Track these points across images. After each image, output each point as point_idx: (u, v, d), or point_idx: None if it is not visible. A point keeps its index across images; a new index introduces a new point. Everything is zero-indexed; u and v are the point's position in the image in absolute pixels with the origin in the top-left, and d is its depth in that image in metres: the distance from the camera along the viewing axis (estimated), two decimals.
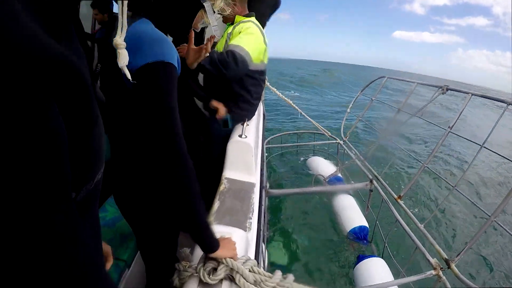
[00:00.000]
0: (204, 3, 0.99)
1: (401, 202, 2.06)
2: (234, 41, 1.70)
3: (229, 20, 1.90)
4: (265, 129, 3.85)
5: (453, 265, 1.55)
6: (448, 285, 1.52)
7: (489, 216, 1.49)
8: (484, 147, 1.70)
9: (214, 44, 1.92)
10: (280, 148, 4.15)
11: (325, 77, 25.32)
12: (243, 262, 0.93)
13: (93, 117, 0.43)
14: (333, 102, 13.03)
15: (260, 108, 3.06)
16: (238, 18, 1.87)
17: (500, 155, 1.73)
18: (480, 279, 2.57)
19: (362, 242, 2.39)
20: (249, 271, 0.93)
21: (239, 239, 1.17)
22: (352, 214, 2.57)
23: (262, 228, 1.89)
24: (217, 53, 1.65)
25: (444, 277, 1.54)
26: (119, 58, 0.62)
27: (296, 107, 3.94)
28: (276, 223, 2.78)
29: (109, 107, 0.94)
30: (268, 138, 3.93)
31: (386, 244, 2.09)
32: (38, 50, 0.29)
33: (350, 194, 2.81)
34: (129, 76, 0.64)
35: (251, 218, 1.60)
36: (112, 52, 0.64)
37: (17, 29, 0.27)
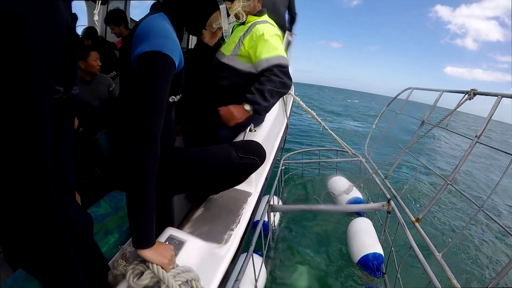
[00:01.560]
0: (220, 5, 1.02)
1: (418, 226, 1.77)
2: (272, 51, 1.61)
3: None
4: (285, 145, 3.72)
5: None
6: None
7: None
8: None
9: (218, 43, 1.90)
10: (300, 165, 3.95)
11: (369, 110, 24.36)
12: (176, 274, 0.82)
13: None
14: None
15: (282, 118, 2.95)
16: (250, 18, 1.75)
17: None
18: None
19: (374, 274, 2.08)
20: (181, 284, 0.81)
21: (193, 250, 1.05)
22: (366, 239, 2.29)
23: (253, 244, 1.74)
24: (263, 82, 1.57)
25: None
26: None
27: (320, 121, 3.75)
28: (286, 240, 2.57)
29: (117, 102, 1.05)
30: (288, 154, 3.78)
31: (398, 275, 1.79)
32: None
33: (366, 216, 2.52)
34: None
35: (232, 230, 1.45)
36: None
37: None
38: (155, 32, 0.85)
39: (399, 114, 3.01)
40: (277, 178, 2.72)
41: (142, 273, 0.80)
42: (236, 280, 1.37)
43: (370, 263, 2.12)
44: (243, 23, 1.74)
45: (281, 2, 3.46)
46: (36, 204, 0.54)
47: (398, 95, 3.34)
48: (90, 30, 3.10)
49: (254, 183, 1.78)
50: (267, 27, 1.69)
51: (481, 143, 1.68)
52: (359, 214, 2.83)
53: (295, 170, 3.94)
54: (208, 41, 1.14)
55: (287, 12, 3.59)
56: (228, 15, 1.05)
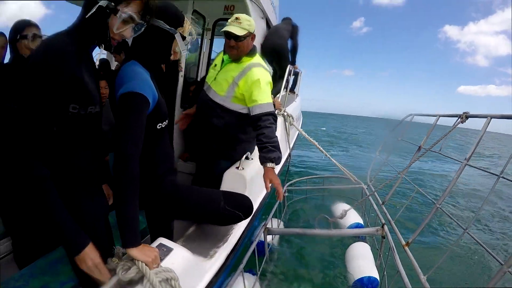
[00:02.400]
0: (175, 34, 1.23)
1: (407, 249, 1.81)
2: (266, 99, 1.76)
3: (233, 56, 1.86)
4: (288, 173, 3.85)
5: None
6: None
7: (502, 264, 1.24)
8: (502, 177, 1.46)
9: (176, 62, 2.11)
10: (304, 192, 4.03)
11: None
12: (158, 272, 0.96)
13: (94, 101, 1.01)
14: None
15: (285, 148, 3.10)
16: (245, 59, 1.86)
17: None
18: None
19: None
20: (161, 281, 0.94)
21: (179, 258, 1.17)
22: (362, 263, 2.31)
23: (243, 262, 1.83)
24: (265, 135, 1.67)
25: None
26: None
27: (322, 149, 3.86)
28: (284, 262, 2.62)
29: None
30: (293, 181, 3.87)
31: None
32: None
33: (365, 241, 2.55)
34: None
35: (218, 248, 1.59)
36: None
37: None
38: (128, 77, 1.11)
39: (400, 140, 3.10)
40: (277, 202, 2.82)
41: (129, 268, 0.95)
42: None
43: (364, 287, 2.13)
44: (236, 61, 1.87)
45: (284, 27, 3.75)
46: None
47: (400, 122, 3.45)
48: (102, 62, 3.49)
49: None
50: (261, 72, 1.82)
51: (470, 165, 1.75)
52: (359, 238, 2.85)
53: (300, 196, 4.02)
54: (172, 58, 1.35)
55: (289, 40, 3.86)
56: (184, 38, 1.27)
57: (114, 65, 3.67)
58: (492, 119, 1.72)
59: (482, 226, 4.38)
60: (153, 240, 1.25)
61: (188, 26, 1.29)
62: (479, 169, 1.85)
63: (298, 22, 3.87)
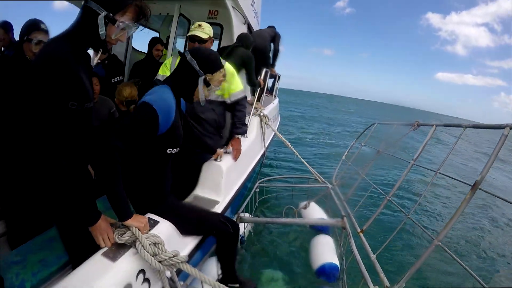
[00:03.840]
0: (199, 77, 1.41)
1: (361, 235, 2.08)
2: (240, 86, 2.24)
3: None
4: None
5: None
6: None
7: (433, 239, 1.51)
8: (440, 173, 1.77)
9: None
10: (275, 189, 4.26)
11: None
12: (148, 236, 1.12)
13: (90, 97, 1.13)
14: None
15: (260, 146, 3.32)
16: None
17: (455, 178, 1.80)
18: None
19: (329, 280, 2.34)
20: (150, 244, 1.10)
21: (164, 229, 1.34)
22: (324, 251, 2.56)
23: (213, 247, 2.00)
24: (241, 117, 2.28)
25: None
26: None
27: (293, 149, 4.12)
28: (255, 250, 2.83)
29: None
30: (264, 179, 4.09)
31: (344, 278, 2.06)
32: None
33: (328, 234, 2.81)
34: None
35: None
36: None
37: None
38: (154, 94, 1.31)
39: (363, 146, 3.43)
40: (249, 197, 3.02)
41: (124, 233, 1.10)
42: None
43: (326, 271, 2.38)
44: None
45: (267, 31, 4.13)
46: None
47: (364, 130, 3.81)
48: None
49: (223, 193, 2.09)
50: (230, 66, 2.24)
51: (417, 165, 2.05)
52: (322, 231, 3.11)
53: (270, 194, 4.25)
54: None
55: (272, 45, 4.16)
56: (208, 85, 1.44)
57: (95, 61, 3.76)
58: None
59: (422, 212, 5.53)
60: None
61: (220, 78, 1.47)
62: (423, 168, 2.18)
63: None
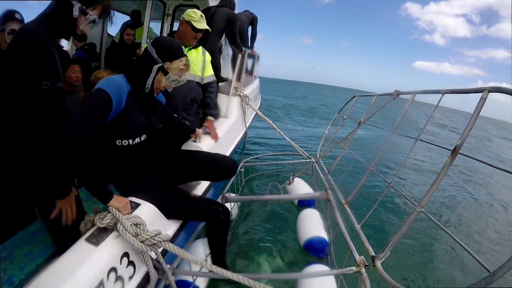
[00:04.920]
0: (157, 65, 1.38)
1: (346, 207, 2.11)
2: (212, 71, 2.39)
3: (192, 45, 2.24)
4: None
5: (378, 262, 1.55)
6: (368, 282, 1.51)
7: (416, 205, 1.52)
8: (420, 140, 1.77)
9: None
10: (260, 168, 4.27)
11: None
12: (129, 217, 1.07)
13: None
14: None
15: (241, 126, 3.27)
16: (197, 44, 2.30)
17: (435, 144, 1.81)
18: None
19: (318, 255, 2.38)
20: (132, 224, 1.06)
21: (146, 211, 1.30)
22: (312, 225, 2.60)
23: (199, 227, 1.99)
24: (212, 98, 2.39)
25: (365, 274, 1.54)
26: None
27: (276, 127, 4.09)
28: (243, 230, 2.84)
29: None
30: (248, 158, 4.07)
31: (332, 250, 2.11)
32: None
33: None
34: None
35: None
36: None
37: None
38: (105, 80, 1.27)
39: (345, 119, 3.44)
40: (233, 177, 3.00)
41: (105, 216, 1.06)
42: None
43: (314, 246, 2.42)
44: (195, 48, 2.28)
45: (245, 14, 4.10)
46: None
47: (346, 103, 3.80)
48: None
49: None
50: (208, 55, 2.39)
51: (397, 133, 2.06)
52: (309, 206, 3.15)
53: (256, 173, 4.25)
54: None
55: (249, 28, 4.11)
56: (166, 73, 1.40)
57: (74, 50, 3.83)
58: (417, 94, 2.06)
59: (402, 180, 5.99)
60: None
61: (180, 66, 1.43)
62: (405, 136, 2.19)
63: None
